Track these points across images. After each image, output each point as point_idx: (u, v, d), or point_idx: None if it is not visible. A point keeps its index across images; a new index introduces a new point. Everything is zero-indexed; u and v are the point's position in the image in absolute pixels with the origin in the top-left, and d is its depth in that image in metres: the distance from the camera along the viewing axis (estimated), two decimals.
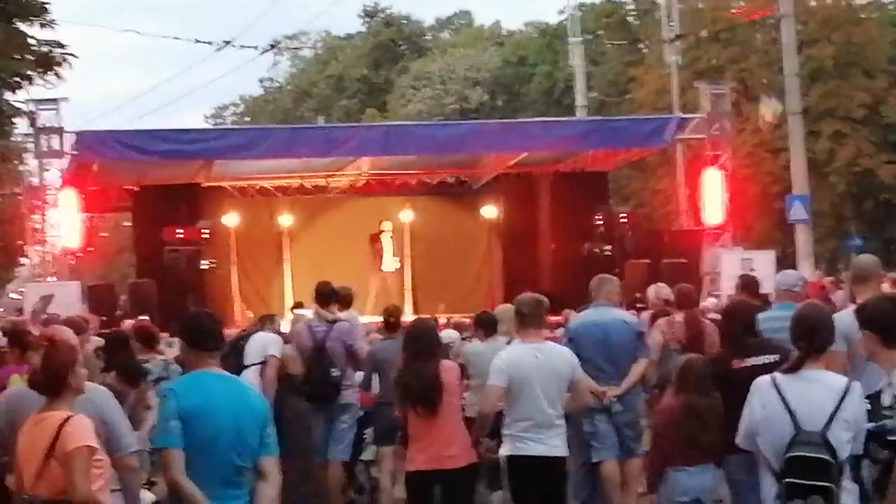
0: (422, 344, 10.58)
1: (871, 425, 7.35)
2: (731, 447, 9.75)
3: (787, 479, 7.00)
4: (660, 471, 10.34)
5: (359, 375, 14.58)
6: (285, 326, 17.59)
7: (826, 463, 6.93)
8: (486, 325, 13.69)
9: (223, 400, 7.10)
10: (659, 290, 15.32)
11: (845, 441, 7.04)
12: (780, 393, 7.16)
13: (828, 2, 48.78)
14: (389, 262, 29.75)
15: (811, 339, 7.25)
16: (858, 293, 9.58)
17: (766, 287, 15.54)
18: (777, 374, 7.28)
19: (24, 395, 7.65)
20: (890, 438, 7.21)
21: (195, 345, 7.32)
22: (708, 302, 19.93)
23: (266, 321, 16.69)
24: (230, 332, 16.32)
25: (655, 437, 10.65)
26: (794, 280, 12.42)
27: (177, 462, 6.95)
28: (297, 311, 18.88)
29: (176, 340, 20.94)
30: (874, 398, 7.39)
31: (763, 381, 7.36)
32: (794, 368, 7.23)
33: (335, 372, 14.21)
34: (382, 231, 29.74)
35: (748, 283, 13.19)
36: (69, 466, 6.80)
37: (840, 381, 7.20)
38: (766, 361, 9.58)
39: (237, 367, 14.34)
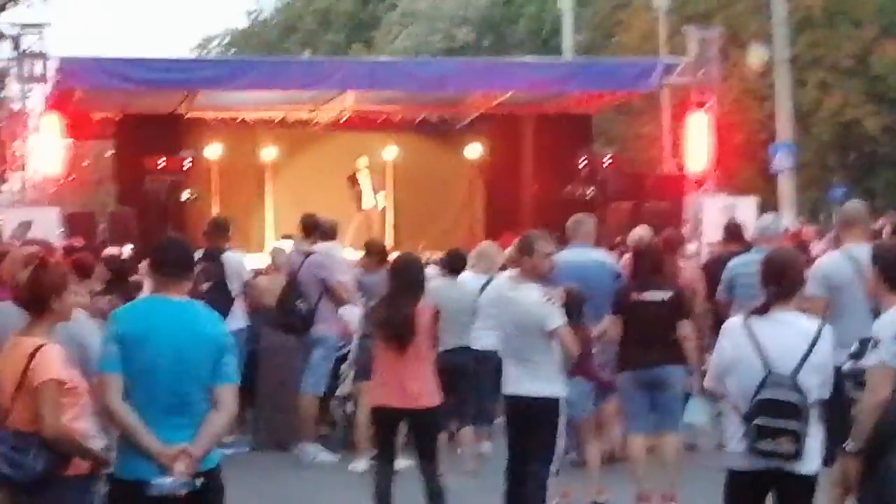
0: (405, 280, 10.54)
1: (847, 366, 7.47)
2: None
3: (756, 421, 7.02)
4: None
5: (345, 309, 14.56)
6: (266, 259, 17.50)
7: (796, 406, 6.96)
8: (450, 265, 13.52)
9: (166, 326, 6.83)
10: (635, 232, 15.20)
11: (815, 385, 7.09)
12: (751, 334, 7.16)
13: None
14: (369, 200, 29.54)
15: (780, 283, 7.29)
16: (845, 238, 9.71)
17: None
18: (750, 316, 7.27)
19: (8, 311, 7.62)
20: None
21: (154, 269, 7.14)
22: (688, 247, 19.86)
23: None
24: None
25: None
26: (768, 223, 12.49)
27: (112, 387, 6.72)
28: (277, 245, 18.79)
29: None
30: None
31: (733, 322, 7.40)
32: (762, 311, 7.25)
33: (301, 304, 14.16)
34: (358, 170, 29.52)
35: (731, 229, 13.22)
36: (37, 401, 6.82)
37: (812, 324, 7.25)
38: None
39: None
